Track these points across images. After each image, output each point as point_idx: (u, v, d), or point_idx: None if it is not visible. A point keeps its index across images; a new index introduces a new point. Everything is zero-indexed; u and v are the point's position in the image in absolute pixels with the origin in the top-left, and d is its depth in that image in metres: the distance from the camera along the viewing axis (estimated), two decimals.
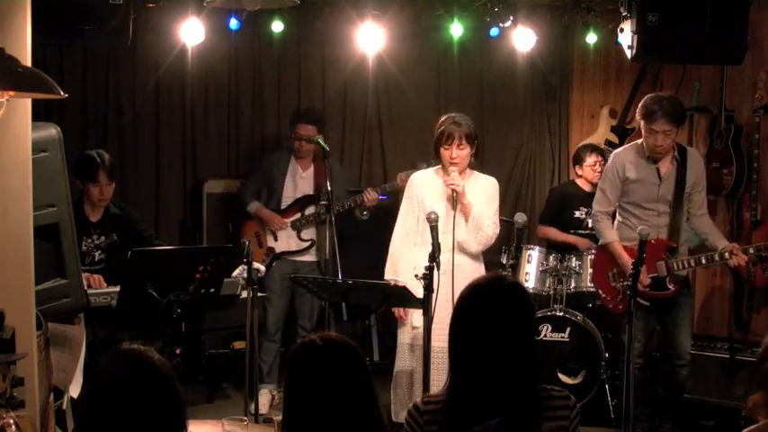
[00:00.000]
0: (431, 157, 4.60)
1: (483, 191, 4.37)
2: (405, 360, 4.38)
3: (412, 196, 4.42)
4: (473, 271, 4.29)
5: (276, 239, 5.44)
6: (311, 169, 5.51)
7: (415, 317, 4.28)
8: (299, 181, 5.50)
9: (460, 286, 3.99)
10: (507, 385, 2.20)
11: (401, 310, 4.34)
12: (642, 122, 4.58)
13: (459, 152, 4.27)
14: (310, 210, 5.45)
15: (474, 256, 4.38)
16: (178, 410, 1.96)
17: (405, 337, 4.39)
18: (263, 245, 5.45)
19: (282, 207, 5.48)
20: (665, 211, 4.64)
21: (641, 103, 4.62)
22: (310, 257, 5.49)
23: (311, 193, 5.48)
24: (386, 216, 5.70)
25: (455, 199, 4.22)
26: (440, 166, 4.43)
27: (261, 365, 5.33)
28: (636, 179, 4.64)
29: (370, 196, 5.38)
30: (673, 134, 4.52)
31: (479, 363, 2.22)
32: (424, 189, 4.38)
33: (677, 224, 4.62)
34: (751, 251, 4.50)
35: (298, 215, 5.46)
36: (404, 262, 4.36)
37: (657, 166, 4.62)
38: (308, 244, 5.45)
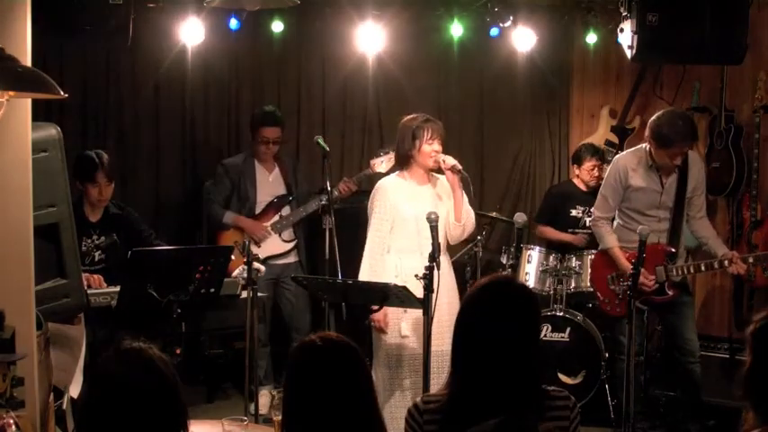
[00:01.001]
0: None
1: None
2: (386, 367, 4.25)
3: (384, 203, 4.28)
4: (449, 274, 4.29)
5: (258, 245, 5.38)
6: (276, 170, 5.51)
7: (403, 325, 4.23)
8: (268, 184, 5.48)
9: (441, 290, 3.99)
10: (510, 386, 2.20)
11: (381, 321, 4.22)
12: (657, 147, 4.51)
13: (440, 148, 4.24)
14: (286, 210, 5.45)
15: (448, 261, 4.32)
16: (178, 410, 1.95)
17: (386, 347, 4.25)
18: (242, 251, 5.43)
19: (257, 212, 5.45)
20: (666, 217, 4.64)
21: (656, 128, 4.50)
22: (292, 258, 5.48)
23: (283, 193, 5.47)
24: (357, 216, 5.64)
25: (460, 176, 4.17)
26: (399, 170, 4.33)
27: (257, 371, 5.32)
28: (639, 187, 4.63)
29: (346, 186, 5.32)
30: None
31: (484, 363, 2.22)
32: (396, 194, 4.28)
33: (677, 229, 4.62)
34: (750, 260, 4.50)
35: (276, 217, 5.45)
36: (382, 269, 4.25)
37: (660, 174, 4.62)
38: (292, 245, 5.45)
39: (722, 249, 4.58)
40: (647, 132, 4.63)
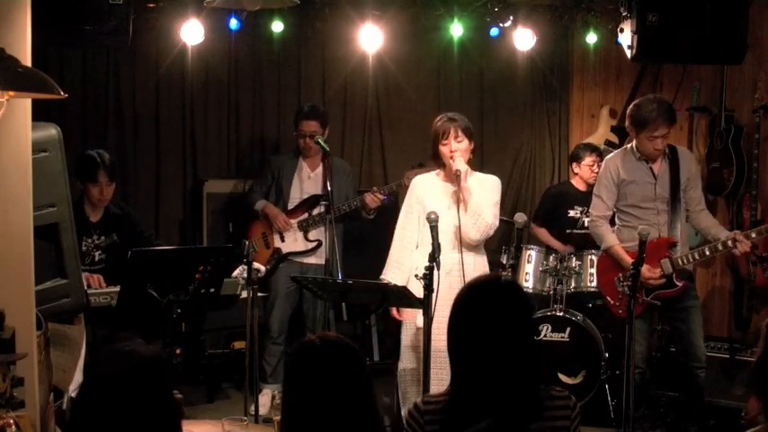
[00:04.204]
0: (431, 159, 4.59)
1: (482, 183, 4.35)
2: (410, 360, 4.35)
3: (412, 198, 4.42)
4: (480, 269, 4.29)
5: (283, 240, 5.41)
6: (319, 169, 5.45)
7: (419, 317, 4.28)
8: (307, 182, 5.45)
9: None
10: (507, 385, 2.20)
11: (396, 311, 4.34)
12: (637, 131, 4.56)
13: (458, 145, 4.26)
14: (318, 210, 5.41)
15: (477, 252, 4.35)
16: (171, 410, 1.94)
17: (407, 338, 4.37)
18: (270, 245, 5.42)
19: (289, 208, 5.44)
20: (664, 209, 4.64)
21: (632, 112, 4.57)
22: (318, 260, 5.42)
23: (319, 193, 5.44)
24: (389, 216, 5.67)
25: (458, 178, 4.20)
26: (439, 169, 4.42)
27: (265, 367, 5.32)
28: (631, 180, 4.65)
29: (371, 198, 5.29)
30: (669, 134, 4.55)
31: (478, 363, 2.22)
32: (425, 191, 4.37)
33: (676, 221, 4.62)
34: (753, 235, 4.48)
35: (305, 215, 5.41)
36: (406, 265, 4.35)
37: (650, 166, 4.63)
38: (314, 244, 5.40)
39: (725, 233, 4.57)
40: (626, 122, 4.67)
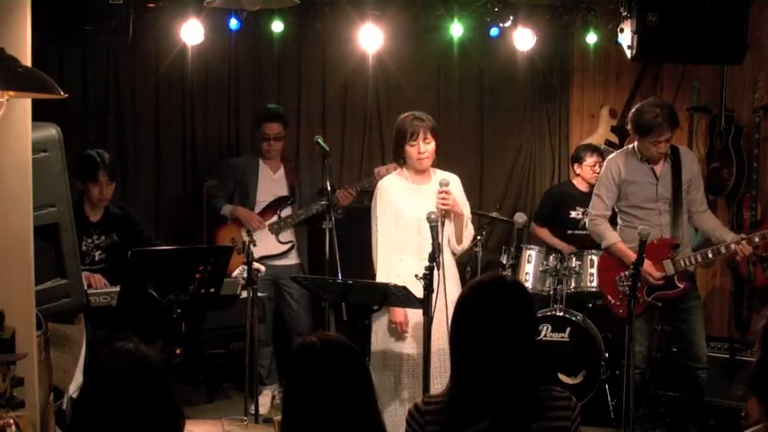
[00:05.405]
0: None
1: (453, 191, 4.23)
2: (379, 363, 4.28)
3: (387, 203, 4.24)
4: (453, 273, 4.25)
5: (254, 244, 5.36)
6: (281, 170, 5.47)
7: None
8: (271, 184, 5.45)
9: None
10: (508, 385, 2.20)
11: (403, 323, 4.18)
12: (641, 137, 4.55)
13: (427, 146, 4.15)
14: (286, 211, 5.41)
15: (452, 260, 4.31)
16: (172, 410, 1.94)
17: (386, 348, 4.27)
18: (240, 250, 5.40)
19: (257, 211, 5.41)
20: (666, 210, 4.64)
21: (635, 118, 4.55)
22: (291, 261, 5.43)
23: (285, 194, 5.44)
24: (361, 215, 5.59)
25: (443, 224, 4.11)
26: (399, 169, 4.30)
27: (260, 370, 5.30)
28: (633, 181, 4.65)
29: (342, 194, 5.26)
30: (672, 137, 4.55)
31: (480, 362, 2.22)
32: (397, 196, 4.24)
33: (679, 222, 4.62)
34: (756, 239, 4.48)
35: (274, 218, 5.41)
36: (395, 269, 4.23)
37: (652, 167, 4.63)
38: (287, 246, 5.40)
39: (729, 235, 4.57)
40: (628, 126, 4.66)
